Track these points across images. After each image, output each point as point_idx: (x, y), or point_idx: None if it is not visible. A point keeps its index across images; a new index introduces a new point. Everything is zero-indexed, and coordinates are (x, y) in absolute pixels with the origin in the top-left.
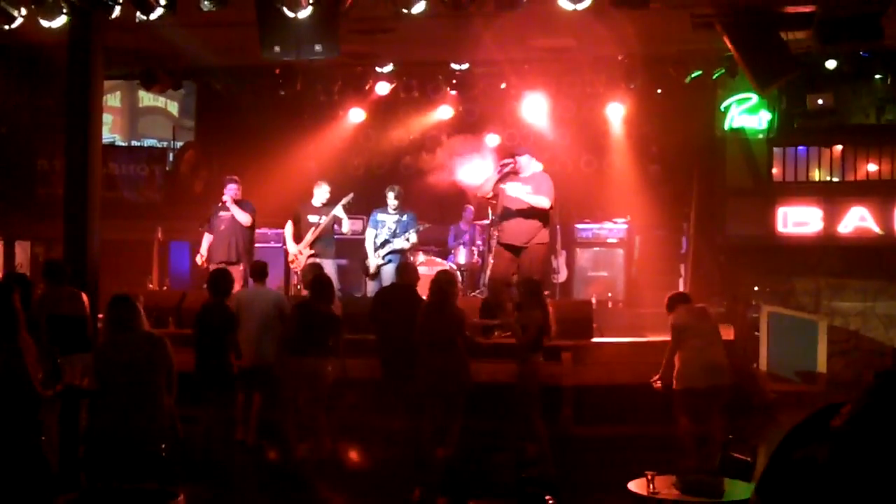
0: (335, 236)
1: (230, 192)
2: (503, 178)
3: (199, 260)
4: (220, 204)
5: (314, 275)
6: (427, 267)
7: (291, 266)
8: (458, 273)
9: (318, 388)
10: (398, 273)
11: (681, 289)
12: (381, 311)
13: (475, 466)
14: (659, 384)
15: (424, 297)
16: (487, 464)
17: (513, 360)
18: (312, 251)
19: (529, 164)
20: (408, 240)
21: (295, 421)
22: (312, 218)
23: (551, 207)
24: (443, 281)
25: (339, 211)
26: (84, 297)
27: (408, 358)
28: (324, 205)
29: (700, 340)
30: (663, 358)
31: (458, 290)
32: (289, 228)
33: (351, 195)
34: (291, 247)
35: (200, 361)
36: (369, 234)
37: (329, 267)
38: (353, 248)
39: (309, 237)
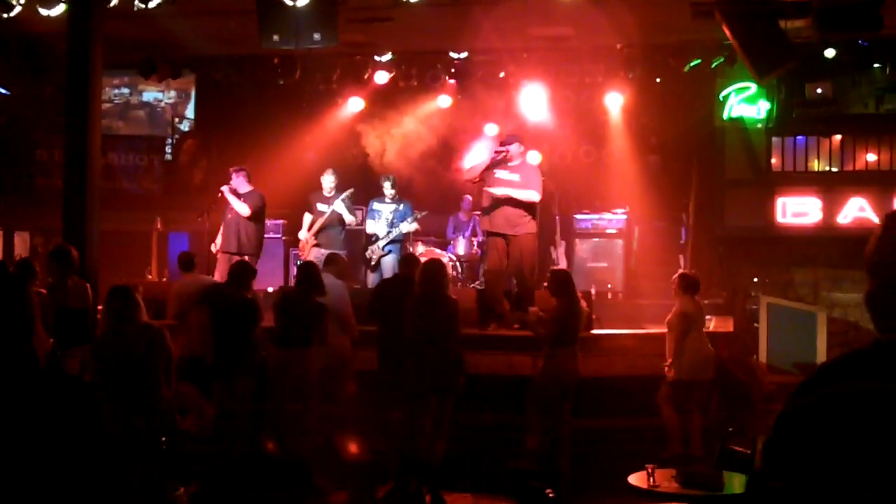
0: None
1: (234, 182)
2: (492, 165)
3: (213, 248)
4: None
5: (300, 266)
6: (426, 258)
7: (301, 255)
8: (458, 264)
9: (304, 380)
10: (400, 265)
11: None
12: (380, 304)
13: (476, 459)
14: (672, 371)
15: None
16: (488, 457)
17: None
18: (316, 241)
19: (518, 153)
20: (409, 224)
21: (284, 413)
22: (321, 207)
23: (540, 201)
24: (431, 270)
25: (338, 206)
26: (88, 287)
27: (405, 351)
28: (331, 193)
29: (699, 334)
30: (672, 345)
31: (448, 280)
32: (305, 219)
33: (351, 190)
34: (302, 235)
35: (219, 353)
36: (368, 226)
37: None
38: (352, 240)
39: (316, 226)
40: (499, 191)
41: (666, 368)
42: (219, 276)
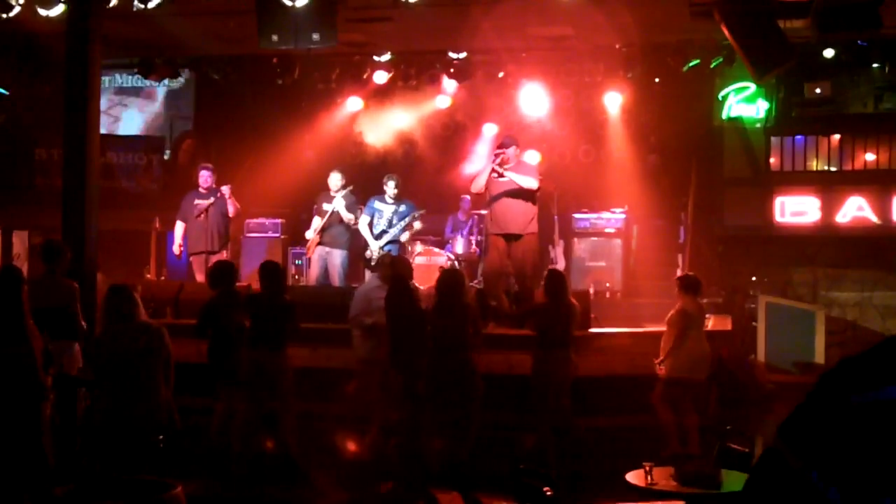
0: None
1: (207, 179)
2: (493, 172)
3: (176, 250)
4: (204, 191)
5: (262, 265)
6: (425, 257)
7: (307, 254)
8: (456, 263)
9: (278, 382)
10: (392, 268)
11: None
12: (389, 309)
13: (475, 458)
14: (663, 369)
15: (422, 288)
16: (486, 455)
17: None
18: (321, 240)
19: (515, 156)
20: (414, 225)
21: (258, 415)
22: (327, 207)
23: (539, 189)
24: (453, 281)
25: (338, 202)
26: (75, 285)
27: (410, 352)
28: (337, 192)
29: (697, 333)
30: (669, 344)
31: (466, 291)
32: (315, 221)
33: (350, 188)
34: (308, 234)
35: (212, 354)
36: (363, 221)
37: (337, 258)
38: (351, 238)
39: (319, 226)
40: (500, 186)
41: (657, 366)
42: (200, 277)
